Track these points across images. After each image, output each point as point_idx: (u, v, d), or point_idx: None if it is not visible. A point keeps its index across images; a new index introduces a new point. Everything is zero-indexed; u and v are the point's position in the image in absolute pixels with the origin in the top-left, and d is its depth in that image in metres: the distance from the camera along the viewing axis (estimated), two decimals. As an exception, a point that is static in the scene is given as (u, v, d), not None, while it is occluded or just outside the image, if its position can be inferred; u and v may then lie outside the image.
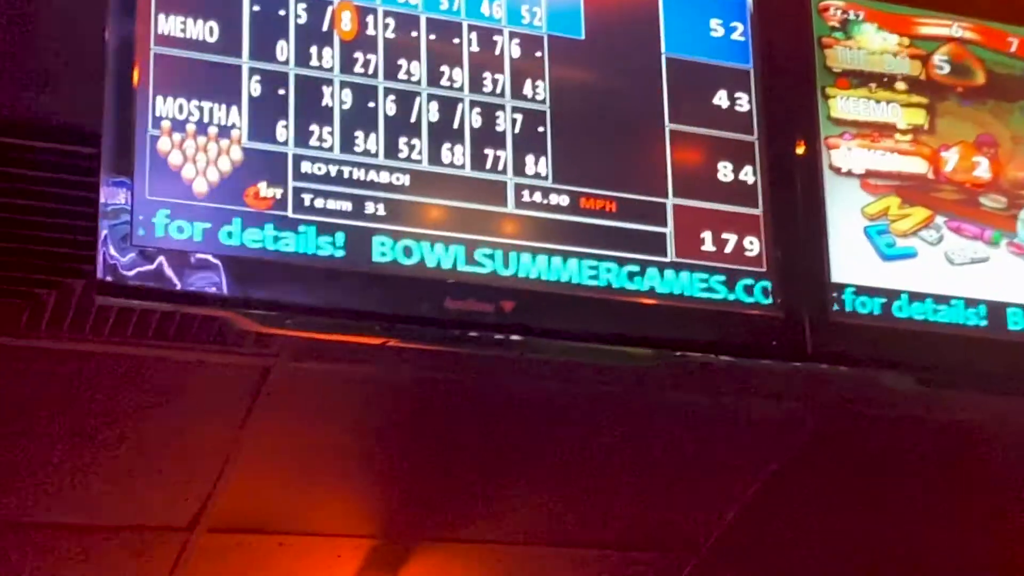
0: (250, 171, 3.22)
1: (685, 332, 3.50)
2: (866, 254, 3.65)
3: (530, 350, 3.55)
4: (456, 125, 3.40)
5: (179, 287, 3.13)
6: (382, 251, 3.28)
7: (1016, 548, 5.49)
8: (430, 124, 3.37)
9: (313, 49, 3.34)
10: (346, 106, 3.33)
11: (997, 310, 3.71)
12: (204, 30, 3.27)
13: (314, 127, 3.29)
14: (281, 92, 3.29)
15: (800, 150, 3.67)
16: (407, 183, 3.33)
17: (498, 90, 3.45)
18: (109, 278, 3.08)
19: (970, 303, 3.70)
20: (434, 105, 3.39)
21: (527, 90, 3.48)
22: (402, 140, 3.35)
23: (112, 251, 3.08)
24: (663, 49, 3.62)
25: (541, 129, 3.46)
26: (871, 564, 5.47)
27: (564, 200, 3.43)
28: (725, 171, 3.57)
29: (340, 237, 3.26)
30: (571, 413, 4.71)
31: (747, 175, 3.58)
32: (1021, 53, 3.92)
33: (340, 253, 3.25)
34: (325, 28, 3.36)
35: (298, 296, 3.26)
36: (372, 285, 3.28)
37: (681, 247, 3.48)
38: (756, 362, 3.68)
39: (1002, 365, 3.74)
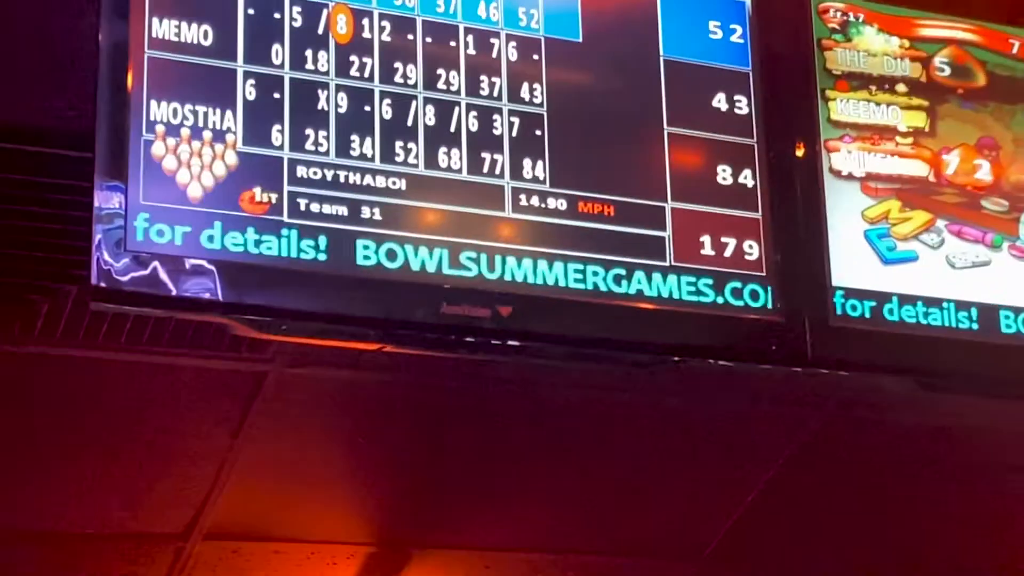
0: (245, 176, 3.22)
1: (684, 337, 3.50)
2: (867, 258, 3.65)
3: (528, 355, 3.52)
4: (453, 129, 3.40)
5: (173, 293, 3.13)
6: (377, 256, 3.28)
7: (1015, 550, 5.48)
8: (427, 128, 3.37)
9: (308, 52, 3.34)
10: (342, 110, 3.34)
11: (993, 313, 3.72)
12: (198, 33, 3.27)
13: (309, 131, 3.29)
14: (276, 96, 3.29)
15: (800, 153, 3.67)
16: (403, 187, 3.32)
17: (495, 93, 3.46)
18: (103, 284, 3.08)
19: (970, 307, 3.70)
20: (431, 109, 3.39)
21: (524, 93, 3.48)
22: (398, 144, 3.35)
23: (106, 256, 3.07)
24: (661, 51, 3.63)
25: (539, 132, 3.47)
26: (871, 567, 5.46)
27: (562, 204, 3.43)
28: (724, 174, 3.57)
29: (335, 242, 3.26)
30: (569, 419, 4.69)
31: (746, 178, 3.59)
32: (1023, 55, 3.95)
33: (335, 258, 3.25)
34: (320, 31, 3.36)
35: (292, 301, 3.26)
36: (367, 290, 3.28)
37: (680, 251, 3.48)
38: (756, 367, 3.67)
39: (1005, 369, 3.74)
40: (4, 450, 4.46)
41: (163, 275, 3.12)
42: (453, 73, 3.44)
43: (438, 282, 3.30)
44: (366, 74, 3.37)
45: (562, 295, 3.38)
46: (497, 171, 3.41)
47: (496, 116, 3.45)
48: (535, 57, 3.51)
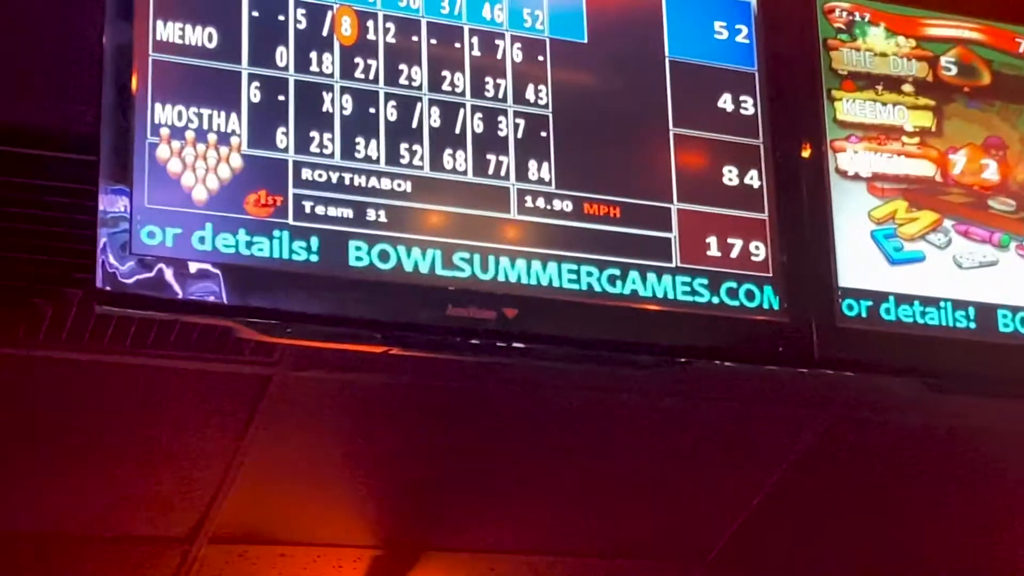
0: (250, 178, 3.22)
1: (689, 338, 3.50)
2: (873, 258, 3.65)
3: (533, 357, 3.52)
4: (458, 130, 3.40)
5: (179, 296, 3.13)
6: (383, 259, 3.27)
7: (1018, 551, 5.49)
8: (432, 130, 3.37)
9: (313, 55, 3.34)
10: (347, 112, 3.33)
11: (1007, 314, 3.71)
12: (203, 36, 3.27)
13: (314, 133, 3.29)
14: (281, 98, 3.29)
15: (806, 153, 3.67)
16: (409, 189, 3.32)
17: (500, 95, 3.46)
18: (108, 287, 3.08)
19: (970, 306, 3.71)
20: (436, 110, 3.39)
21: (529, 94, 3.48)
22: (403, 146, 3.35)
23: (111, 259, 3.07)
24: (667, 52, 3.62)
25: (544, 134, 3.46)
26: (875, 569, 5.48)
27: (567, 206, 3.43)
28: (730, 175, 3.56)
29: (339, 245, 3.26)
30: (574, 422, 4.71)
31: (752, 179, 3.58)
32: None
33: (340, 261, 3.25)
34: (325, 33, 3.36)
35: (295, 304, 3.25)
36: (370, 293, 3.28)
37: (686, 252, 3.48)
38: (761, 368, 3.70)
39: (1007, 368, 3.74)
40: (8, 453, 4.47)
41: (168, 278, 3.12)
42: (458, 75, 3.44)
43: (443, 284, 3.30)
44: (371, 76, 3.37)
45: (567, 297, 3.38)
46: (502, 173, 3.41)
47: (501, 118, 3.44)
48: (540, 58, 3.51)
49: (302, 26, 3.36)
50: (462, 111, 3.42)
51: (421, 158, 3.35)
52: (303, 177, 3.25)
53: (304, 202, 3.24)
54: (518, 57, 3.50)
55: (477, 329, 3.35)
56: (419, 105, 3.39)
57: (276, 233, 3.21)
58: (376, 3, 3.42)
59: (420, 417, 4.65)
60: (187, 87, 3.25)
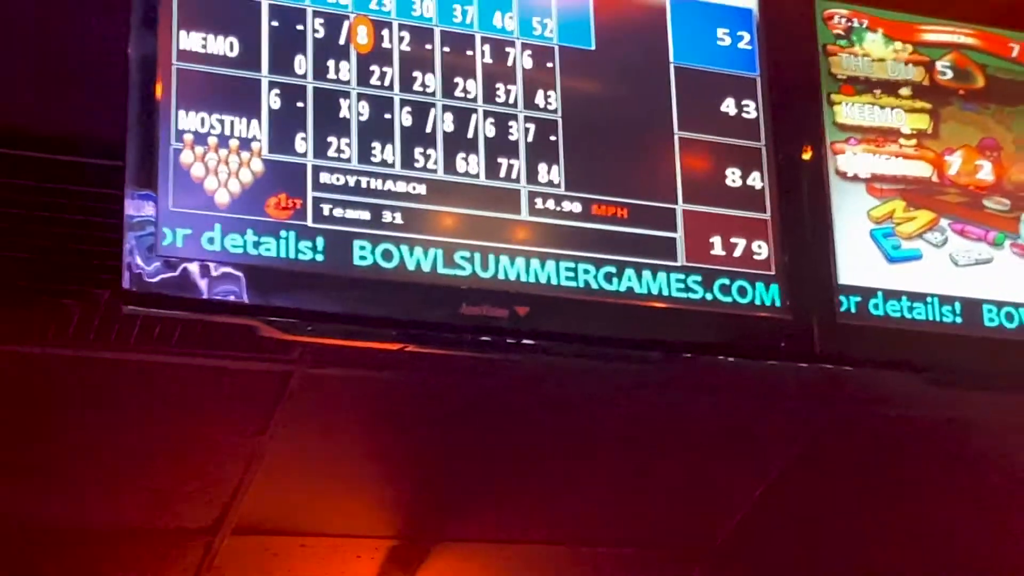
0: (270, 182, 3.26)
1: (694, 335, 3.54)
2: (872, 256, 3.68)
3: (543, 354, 3.54)
4: (470, 135, 3.43)
5: (203, 296, 3.17)
6: (398, 259, 3.31)
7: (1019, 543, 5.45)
8: (445, 134, 3.41)
9: (330, 62, 3.38)
10: (363, 118, 3.37)
11: (1000, 310, 3.73)
12: (224, 45, 3.31)
13: (332, 139, 3.33)
14: (300, 105, 3.33)
15: (807, 156, 3.70)
16: (423, 192, 3.36)
17: (511, 100, 3.49)
18: (134, 288, 3.12)
19: (974, 304, 3.72)
20: (449, 116, 3.43)
21: (539, 100, 3.51)
22: (418, 150, 3.38)
23: (138, 261, 3.11)
24: (671, 58, 3.66)
25: (553, 138, 3.50)
26: (876, 561, 5.45)
27: (577, 207, 3.47)
28: (733, 177, 3.60)
29: (358, 246, 3.29)
30: (585, 415, 4.70)
31: (755, 180, 3.62)
32: (1022, 59, 3.96)
33: (357, 261, 3.28)
34: (342, 42, 3.40)
35: (316, 303, 3.29)
36: (387, 293, 3.31)
37: (691, 252, 3.52)
38: (764, 363, 3.70)
39: (997, 362, 3.76)
40: (36, 450, 4.48)
41: (192, 279, 3.15)
42: (470, 81, 3.47)
43: (457, 283, 3.33)
44: (386, 83, 3.40)
45: (576, 295, 3.41)
46: (514, 176, 3.44)
47: (512, 122, 3.47)
48: (549, 65, 3.54)
49: (320, 35, 3.39)
50: (474, 116, 3.45)
51: (435, 162, 3.38)
52: (321, 181, 3.29)
53: (323, 205, 3.27)
54: (528, 64, 3.53)
55: (490, 327, 3.38)
56: (433, 111, 3.42)
57: (295, 235, 3.25)
58: (391, 12, 3.45)
59: (437, 411, 4.62)
60: (209, 94, 3.28)
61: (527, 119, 3.49)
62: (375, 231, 3.31)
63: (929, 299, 3.70)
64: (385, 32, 3.44)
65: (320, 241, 3.27)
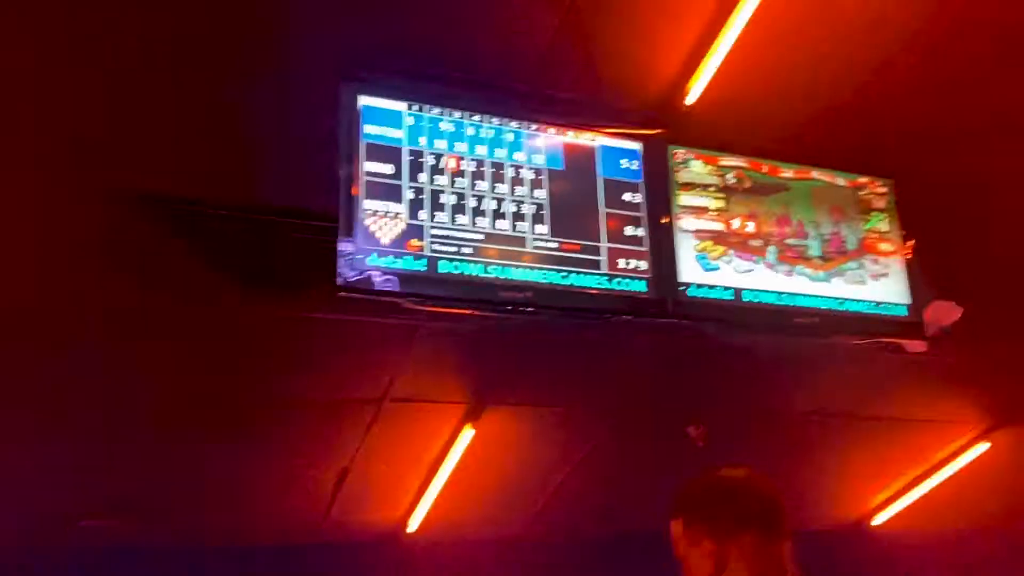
0: (408, 234, 3.34)
1: (610, 306, 3.55)
2: (696, 267, 3.68)
3: (540, 316, 3.53)
4: (503, 211, 3.49)
5: (375, 287, 3.26)
6: (470, 269, 3.38)
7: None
8: (491, 211, 3.47)
9: (436, 176, 3.43)
10: (452, 203, 3.42)
11: (753, 292, 3.72)
12: (385, 168, 3.37)
13: (437, 213, 3.39)
14: (421, 197, 3.39)
15: (664, 220, 3.68)
16: (480, 238, 3.43)
17: (522, 194, 3.54)
18: (343, 283, 3.23)
19: (741, 291, 3.71)
20: (492, 202, 3.48)
21: (536, 193, 3.55)
22: (478, 219, 3.45)
23: (344, 271, 3.22)
24: (599, 173, 3.66)
25: (544, 212, 3.53)
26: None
27: (554, 245, 3.51)
28: (629, 230, 3.63)
29: (451, 264, 3.36)
30: (575, 344, 4.67)
31: (640, 232, 3.63)
32: (770, 172, 3.87)
33: (450, 270, 3.35)
34: (441, 166, 3.44)
35: (431, 291, 3.35)
36: (464, 286, 3.36)
37: (611, 266, 3.56)
38: (645, 320, 3.63)
39: (753, 318, 3.71)
40: (299, 338, 4.36)
41: (371, 279, 3.25)
42: (502, 184, 3.51)
43: (495, 281, 3.40)
44: (461, 186, 3.46)
45: (553, 286, 3.47)
46: (523, 230, 3.50)
47: (523, 205, 3.53)
48: (541, 177, 3.57)
49: (431, 163, 3.43)
50: (504, 201, 3.50)
51: (485, 224, 3.45)
52: (432, 233, 3.37)
53: (433, 244, 3.36)
54: (531, 176, 3.56)
55: (514, 301, 3.42)
56: (484, 199, 3.48)
57: (420, 259, 3.33)
58: (464, 152, 3.49)
59: (491, 340, 4.57)
60: (378, 191, 3.34)
61: (531, 203, 3.54)
62: (459, 257, 3.37)
63: (721, 288, 3.69)
64: (462, 162, 3.48)
65: (434, 262, 3.34)
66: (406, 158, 3.43)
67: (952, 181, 4.08)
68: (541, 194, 3.58)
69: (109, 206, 3.59)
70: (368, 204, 3.34)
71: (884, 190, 4.01)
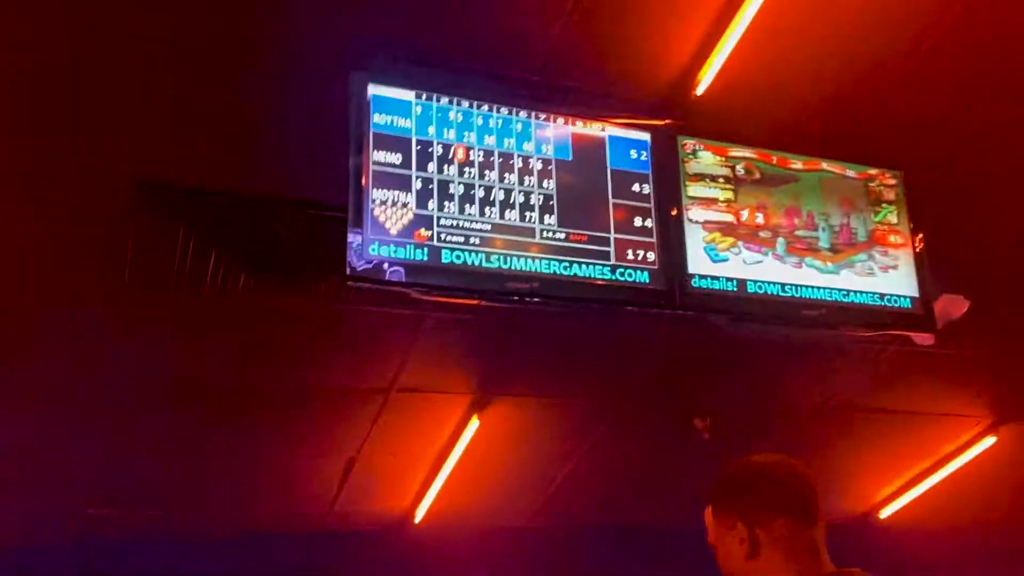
0: (416, 224, 3.33)
1: (620, 297, 3.54)
2: (705, 259, 3.65)
3: (544, 305, 3.52)
4: (511, 201, 3.47)
5: (384, 277, 3.25)
6: (477, 259, 3.37)
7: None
8: (499, 201, 3.46)
9: (444, 166, 3.41)
10: (460, 193, 3.41)
11: (758, 284, 3.68)
12: (394, 158, 3.36)
13: (445, 203, 3.38)
14: (430, 187, 3.38)
15: (674, 212, 3.65)
16: (489, 228, 3.42)
17: (531, 185, 3.53)
18: (351, 273, 3.22)
19: (745, 282, 3.66)
20: (501, 192, 3.47)
21: (545, 184, 3.53)
22: (486, 209, 3.43)
23: (353, 261, 3.21)
24: (608, 164, 3.64)
25: (552, 203, 3.52)
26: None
27: (562, 235, 3.50)
28: (638, 221, 3.61)
29: (459, 254, 3.35)
30: (582, 335, 4.66)
31: (648, 223, 3.61)
32: (779, 164, 3.83)
33: (457, 260, 3.34)
34: (450, 156, 3.43)
35: (437, 280, 3.35)
36: (471, 276, 3.35)
37: (618, 256, 3.54)
38: (654, 311, 3.65)
39: (758, 308, 3.68)
40: (305, 332, 4.36)
41: (379, 269, 3.24)
42: (511, 175, 3.50)
43: (503, 271, 3.39)
44: (470, 177, 3.45)
45: (559, 277, 3.45)
46: (531, 221, 3.48)
47: (532, 195, 3.51)
48: (550, 167, 3.55)
49: (439, 153, 3.42)
50: (513, 192, 3.49)
51: (494, 214, 3.44)
52: (440, 223, 3.36)
53: (441, 234, 3.35)
54: (539, 167, 3.54)
55: (520, 291, 3.41)
56: (493, 189, 3.46)
57: (428, 249, 3.31)
58: (473, 144, 3.48)
59: (492, 332, 4.57)
60: (387, 181, 3.33)
61: (539, 194, 3.52)
62: (466, 247, 3.35)
63: (724, 279, 3.65)
64: (471, 152, 3.47)
65: (440, 252, 3.32)
66: (415, 148, 3.41)
67: (962, 174, 4.10)
68: (549, 185, 3.56)
69: (111, 194, 3.59)
70: (377, 194, 3.32)
71: (893, 182, 3.99)
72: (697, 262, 3.67)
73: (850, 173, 3.97)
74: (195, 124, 3.52)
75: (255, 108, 3.49)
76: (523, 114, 3.59)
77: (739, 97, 3.71)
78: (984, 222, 4.29)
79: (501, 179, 3.51)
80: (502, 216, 3.47)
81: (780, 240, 3.78)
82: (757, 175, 3.83)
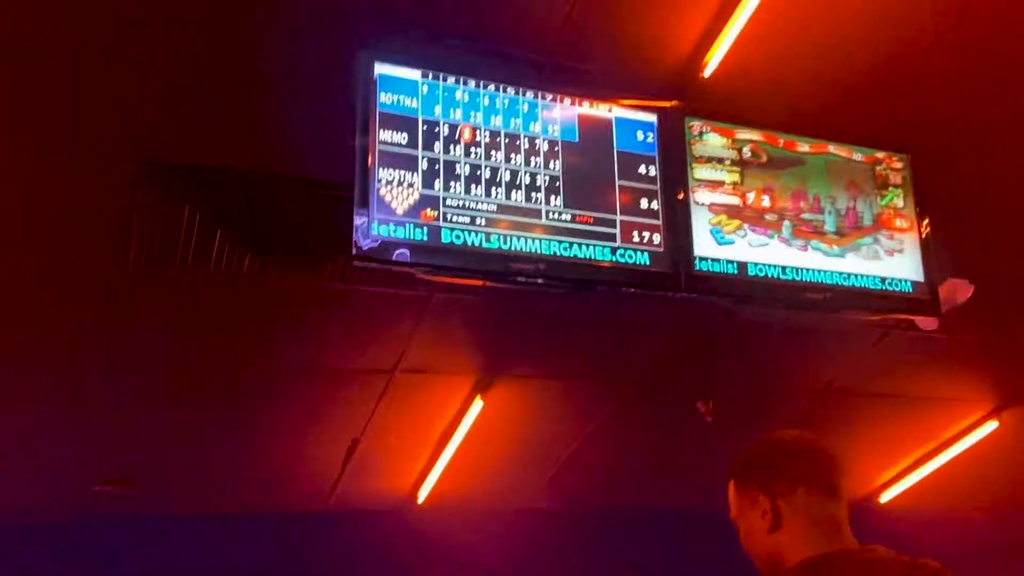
0: (422, 204, 3.32)
1: (624, 279, 3.53)
2: (711, 241, 3.64)
3: (551, 287, 3.54)
4: (518, 182, 3.46)
5: (389, 257, 3.24)
6: (483, 240, 3.36)
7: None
8: (505, 182, 3.45)
9: (450, 146, 3.40)
10: (466, 174, 3.41)
11: (759, 266, 3.67)
12: (399, 138, 3.35)
13: (451, 183, 3.37)
14: (436, 167, 3.37)
15: (680, 195, 3.64)
16: (495, 209, 3.41)
17: (537, 166, 3.51)
18: (358, 253, 3.22)
19: (746, 264, 3.66)
20: (507, 173, 3.46)
21: (551, 165, 3.52)
22: (493, 189, 3.42)
23: (360, 241, 3.21)
24: (615, 146, 3.63)
25: (558, 184, 3.51)
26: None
27: (568, 216, 3.49)
28: (644, 203, 3.60)
29: (464, 233, 3.34)
30: (586, 317, 4.64)
31: (655, 205, 3.61)
32: (786, 147, 3.82)
33: (460, 241, 3.33)
34: (456, 137, 3.42)
35: (443, 261, 3.35)
36: (477, 255, 3.35)
37: (623, 238, 3.53)
38: (659, 293, 3.61)
39: (759, 288, 3.66)
40: (301, 316, 4.35)
41: (385, 249, 3.23)
42: (517, 155, 3.49)
43: (508, 253, 3.38)
44: (477, 157, 3.44)
45: (564, 259, 3.45)
46: (538, 202, 3.47)
47: (538, 176, 3.50)
48: (556, 148, 3.54)
49: (446, 133, 3.41)
50: (520, 173, 3.47)
51: (501, 195, 3.43)
52: (447, 204, 3.35)
53: (448, 214, 3.34)
54: (545, 148, 3.53)
55: (524, 273, 3.41)
56: (499, 170, 3.45)
57: (433, 229, 3.31)
58: (480, 124, 3.46)
59: (501, 312, 4.54)
60: (393, 162, 3.32)
61: (545, 175, 3.51)
62: (471, 228, 3.35)
63: (725, 261, 3.64)
64: (477, 133, 3.45)
65: (447, 232, 3.30)
66: (421, 128, 3.40)
67: (968, 158, 4.08)
68: (556, 166, 3.55)
69: (116, 173, 3.57)
70: (383, 174, 3.31)
71: (900, 165, 3.98)
72: (703, 244, 3.66)
73: (857, 156, 3.95)
74: (199, 102, 3.50)
75: (261, 86, 3.48)
76: (530, 94, 3.58)
77: (746, 80, 3.69)
78: (990, 206, 4.27)
79: (507, 160, 3.49)
80: (508, 197, 3.45)
81: (786, 223, 3.77)
82: (764, 158, 3.82)
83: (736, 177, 3.77)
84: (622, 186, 3.62)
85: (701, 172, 3.74)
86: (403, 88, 3.41)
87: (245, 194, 3.71)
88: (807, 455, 2.01)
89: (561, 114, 3.60)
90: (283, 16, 3.29)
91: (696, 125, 3.76)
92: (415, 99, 3.42)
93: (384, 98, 3.37)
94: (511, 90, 3.55)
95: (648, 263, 3.57)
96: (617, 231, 3.56)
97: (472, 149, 3.45)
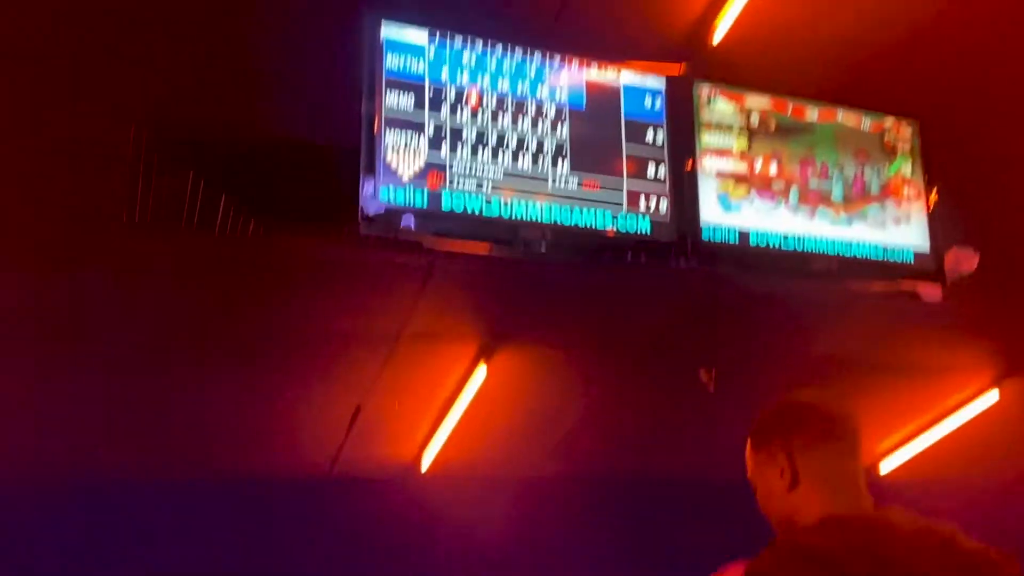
0: (428, 169, 3.35)
1: (632, 246, 3.58)
2: (717, 208, 3.67)
3: (559, 255, 3.58)
4: (524, 148, 3.49)
5: (395, 222, 3.28)
6: (489, 206, 3.39)
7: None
8: (512, 147, 3.48)
9: (457, 111, 3.43)
10: (472, 139, 3.43)
11: (762, 234, 3.70)
12: (406, 103, 3.38)
13: (457, 149, 3.40)
14: (442, 133, 3.40)
15: (687, 160, 3.66)
16: (501, 175, 3.44)
17: (544, 132, 3.54)
18: (364, 219, 3.26)
19: (761, 235, 3.69)
20: (514, 138, 3.48)
21: (558, 132, 3.55)
22: (499, 155, 3.44)
23: (365, 207, 3.25)
24: (623, 113, 3.65)
25: (565, 150, 3.53)
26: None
27: (575, 182, 3.52)
28: (651, 170, 3.62)
29: (470, 199, 3.37)
30: (591, 284, 4.39)
31: (661, 173, 3.63)
32: (794, 114, 3.84)
33: (469, 208, 3.37)
34: (463, 102, 3.45)
35: (448, 228, 3.41)
36: (483, 223, 3.40)
37: (629, 205, 3.56)
38: (665, 261, 3.66)
39: (760, 259, 3.70)
40: (312, 281, 4.30)
41: (392, 215, 3.28)
42: (524, 119, 3.51)
43: (517, 221, 3.42)
44: (483, 122, 3.47)
45: (573, 227, 3.49)
46: (545, 167, 3.50)
47: (545, 141, 3.52)
48: (563, 115, 3.57)
49: (452, 97, 3.44)
50: (526, 139, 3.50)
51: (507, 161, 3.46)
52: (453, 169, 3.38)
53: (454, 180, 3.37)
54: (552, 113, 3.56)
55: (532, 240, 3.46)
56: (506, 136, 3.48)
57: (439, 195, 3.34)
58: (486, 89, 3.49)
59: (507, 279, 4.34)
60: (399, 126, 3.35)
61: (551, 142, 3.53)
62: (478, 193, 3.38)
63: (726, 228, 3.66)
64: (484, 97, 3.48)
65: (453, 198, 3.34)
66: (428, 93, 3.41)
67: (976, 126, 4.07)
68: (563, 132, 3.56)
69: (118, 134, 3.54)
70: (389, 139, 3.32)
71: (909, 133, 3.98)
72: (710, 211, 3.67)
73: (865, 123, 3.95)
74: (205, 65, 3.47)
75: (267, 48, 3.45)
76: (538, 56, 3.58)
77: (755, 45, 3.68)
78: (996, 175, 4.21)
79: (514, 125, 3.50)
80: (515, 163, 3.46)
81: (793, 190, 3.77)
82: (772, 125, 3.82)
83: (744, 144, 3.77)
84: (630, 153, 3.63)
85: (709, 139, 3.74)
86: (410, 51, 3.41)
87: (251, 157, 3.67)
88: (827, 415, 1.99)
89: (569, 80, 3.60)
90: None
91: (704, 90, 3.75)
92: (422, 62, 3.42)
93: (391, 63, 3.37)
94: (519, 52, 3.55)
95: (652, 230, 3.58)
96: (624, 198, 3.58)
97: (479, 114, 3.46)
